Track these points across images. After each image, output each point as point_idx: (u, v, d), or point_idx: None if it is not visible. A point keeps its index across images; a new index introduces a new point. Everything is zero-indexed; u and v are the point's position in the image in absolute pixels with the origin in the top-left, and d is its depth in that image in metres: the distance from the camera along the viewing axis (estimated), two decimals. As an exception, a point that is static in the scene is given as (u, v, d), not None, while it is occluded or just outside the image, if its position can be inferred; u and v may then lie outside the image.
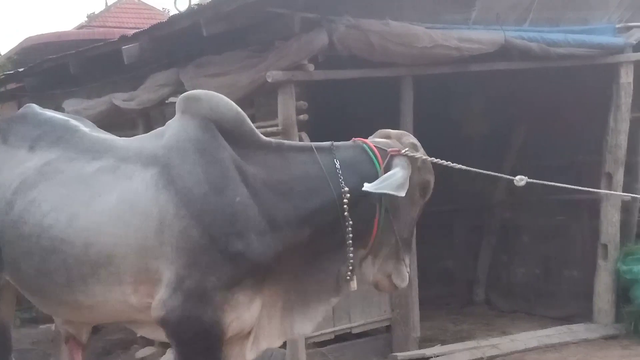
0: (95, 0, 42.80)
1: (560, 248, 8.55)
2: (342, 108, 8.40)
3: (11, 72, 9.72)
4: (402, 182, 3.66)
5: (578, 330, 7.52)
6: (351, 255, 3.73)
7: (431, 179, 3.92)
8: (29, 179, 3.73)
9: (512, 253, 9.22)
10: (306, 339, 6.20)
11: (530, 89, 8.25)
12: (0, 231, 3.77)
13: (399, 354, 6.65)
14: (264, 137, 3.77)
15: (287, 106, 6.03)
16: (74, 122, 4.03)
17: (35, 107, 4.16)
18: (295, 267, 3.71)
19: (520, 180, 3.91)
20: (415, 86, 6.66)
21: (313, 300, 3.80)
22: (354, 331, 6.80)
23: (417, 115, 6.66)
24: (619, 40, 7.54)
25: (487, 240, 9.45)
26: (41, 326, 8.31)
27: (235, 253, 3.47)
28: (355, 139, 3.92)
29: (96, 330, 6.85)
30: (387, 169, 3.71)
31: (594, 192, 7.05)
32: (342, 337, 6.74)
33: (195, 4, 7.20)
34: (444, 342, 7.21)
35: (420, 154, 3.82)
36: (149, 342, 7.14)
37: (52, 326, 7.26)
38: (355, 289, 3.81)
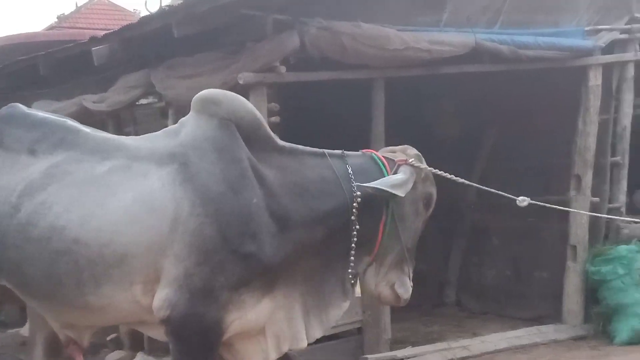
0: (65, 1, 42.42)
1: (530, 250, 8.60)
2: (315, 110, 8.40)
3: (-21, 73, 9.60)
4: (401, 183, 3.80)
5: (547, 331, 7.58)
6: (352, 258, 3.82)
7: (434, 191, 4.09)
8: (36, 182, 3.65)
9: (483, 255, 9.27)
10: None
11: (501, 92, 8.30)
12: (2, 236, 3.67)
13: (370, 356, 6.65)
14: (280, 141, 3.85)
15: (259, 108, 5.94)
16: (72, 122, 3.98)
17: (22, 107, 4.05)
18: (310, 271, 3.81)
19: (523, 201, 4.26)
20: (387, 88, 6.68)
21: (328, 304, 3.90)
22: (325, 333, 6.79)
23: (388, 118, 6.68)
24: (588, 43, 7.61)
25: (458, 242, 9.49)
26: (9, 330, 8.21)
27: (247, 254, 3.53)
28: (364, 150, 4.11)
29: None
30: None
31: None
32: (325, 337, 6.74)
33: (166, 5, 7.15)
34: (415, 344, 7.22)
35: (425, 165, 4.02)
36: (118, 346, 7.09)
37: (22, 330, 7.18)
38: (359, 295, 3.95)
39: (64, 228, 3.53)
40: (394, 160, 3.98)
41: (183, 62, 6.47)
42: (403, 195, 3.79)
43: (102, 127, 7.22)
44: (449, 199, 9.09)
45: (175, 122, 6.82)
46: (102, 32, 7.63)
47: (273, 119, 6.07)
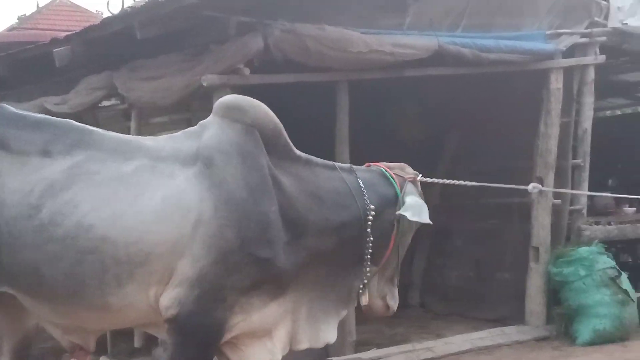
0: (26, 1, 41.91)
1: (493, 251, 8.67)
2: (279, 112, 8.38)
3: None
4: (426, 210, 4.13)
5: (510, 333, 7.65)
6: (368, 269, 4.01)
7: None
8: (57, 183, 3.59)
9: (446, 257, 9.32)
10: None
11: (464, 95, 8.36)
12: (15, 238, 3.57)
13: (335, 358, 6.66)
14: (296, 150, 3.94)
15: (222, 110, 5.99)
16: (77, 123, 3.92)
17: (10, 107, 3.92)
18: (319, 277, 3.94)
19: (534, 188, 4.73)
20: (351, 91, 6.69)
21: (332, 311, 4.04)
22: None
23: (353, 120, 6.70)
24: (549, 46, 7.69)
25: (422, 244, 9.52)
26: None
27: (262, 259, 3.63)
28: (368, 164, 4.31)
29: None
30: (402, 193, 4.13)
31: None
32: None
33: (129, 7, 7.11)
34: (379, 346, 7.24)
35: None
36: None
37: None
38: (365, 304, 4.10)
39: (92, 227, 3.51)
40: (402, 177, 4.20)
41: (146, 64, 6.43)
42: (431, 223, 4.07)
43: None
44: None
45: (138, 124, 6.85)
46: (64, 34, 7.56)
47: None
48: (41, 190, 3.59)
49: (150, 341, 6.47)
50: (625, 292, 7.44)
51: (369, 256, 3.99)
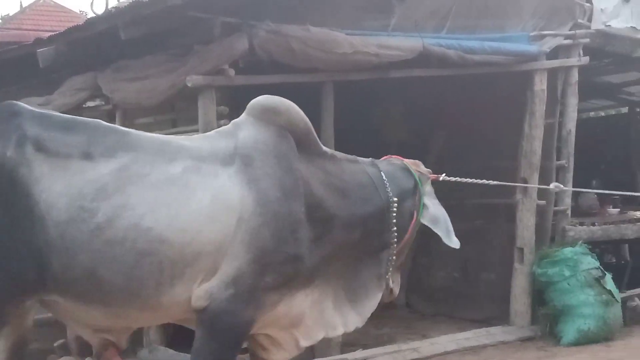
0: (9, 1, 41.69)
1: (478, 252, 8.69)
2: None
3: None
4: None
5: (495, 333, 7.67)
6: (393, 257, 4.26)
7: None
8: (109, 185, 3.55)
9: (432, 257, 9.32)
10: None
11: (449, 96, 8.38)
12: (70, 242, 3.50)
13: (321, 359, 6.65)
14: (323, 146, 4.12)
15: (208, 111, 5.99)
16: (106, 123, 3.89)
17: (27, 106, 3.81)
18: (344, 267, 4.13)
19: (557, 187, 5.29)
20: (336, 92, 6.69)
21: (361, 297, 4.22)
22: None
23: (338, 121, 6.69)
24: (533, 48, 7.72)
25: (407, 245, 9.53)
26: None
27: (295, 256, 3.78)
28: (387, 156, 4.56)
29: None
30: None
31: (511, 195, 7.20)
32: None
33: (113, 7, 7.08)
34: (365, 347, 7.23)
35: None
36: (65, 352, 6.97)
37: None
38: (392, 286, 4.32)
39: (151, 229, 3.53)
40: (423, 173, 4.48)
41: (130, 64, 6.40)
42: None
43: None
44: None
45: (122, 125, 6.80)
46: (48, 34, 7.53)
47: (222, 122, 6.04)
48: (93, 193, 3.54)
49: (136, 342, 6.45)
50: (610, 292, 7.48)
51: (394, 245, 4.22)
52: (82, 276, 3.54)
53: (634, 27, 8.82)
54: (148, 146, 3.73)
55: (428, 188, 4.48)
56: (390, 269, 4.29)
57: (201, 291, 3.64)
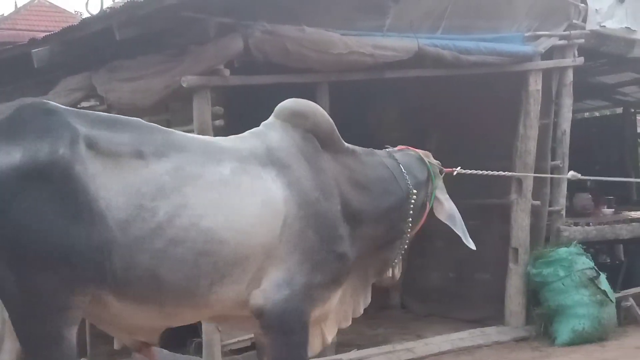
0: (4, 2, 41.65)
1: (472, 252, 8.61)
2: (259, 114, 8.38)
3: None
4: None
5: (490, 333, 7.68)
6: (405, 246, 4.43)
7: None
8: (167, 185, 3.54)
9: (426, 257, 9.33)
10: (223, 345, 6.15)
11: (444, 96, 8.38)
12: (131, 242, 3.45)
13: (316, 359, 6.65)
14: (344, 143, 4.20)
15: (203, 111, 5.99)
16: (146, 122, 3.84)
17: (60, 105, 3.69)
18: (363, 258, 4.19)
19: (574, 176, 5.16)
20: (331, 92, 6.69)
21: (370, 280, 4.39)
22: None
23: (333, 121, 6.68)
24: (528, 48, 7.74)
25: (402, 245, 9.53)
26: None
27: (340, 253, 3.91)
28: (400, 147, 4.67)
29: None
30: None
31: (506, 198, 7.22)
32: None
33: (108, 7, 7.07)
34: (360, 347, 7.24)
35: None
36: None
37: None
38: (397, 277, 4.53)
39: (210, 229, 3.56)
40: (440, 167, 4.69)
41: (125, 64, 6.40)
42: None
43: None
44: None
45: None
46: (43, 34, 7.52)
47: (217, 122, 6.05)
48: (152, 192, 3.51)
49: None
50: (604, 292, 7.49)
51: (408, 234, 4.37)
52: (143, 276, 3.49)
53: (629, 28, 8.84)
54: (194, 146, 3.74)
55: (440, 183, 4.64)
56: (400, 256, 4.45)
57: (257, 295, 3.73)
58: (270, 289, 3.73)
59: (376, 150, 4.45)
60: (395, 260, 4.47)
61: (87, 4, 17.13)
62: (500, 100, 8.10)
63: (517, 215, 7.84)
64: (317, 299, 3.89)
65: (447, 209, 4.62)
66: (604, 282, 7.59)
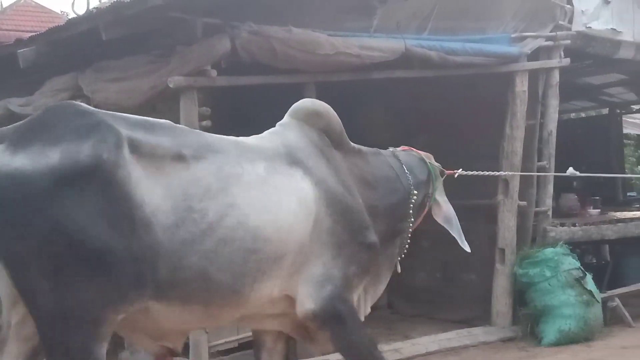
0: (-10, 2, 41.42)
1: (459, 252, 8.59)
2: (247, 114, 8.38)
3: None
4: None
5: (477, 333, 7.70)
6: (408, 242, 4.58)
7: None
8: (213, 185, 3.53)
9: (413, 258, 9.29)
10: (210, 347, 6.14)
11: (431, 97, 8.39)
12: (180, 244, 3.40)
13: (303, 360, 6.66)
14: (351, 143, 4.34)
15: (190, 112, 5.97)
16: (174, 124, 3.81)
17: (92, 108, 3.61)
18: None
19: (572, 174, 5.81)
20: (319, 93, 6.68)
21: (379, 281, 4.52)
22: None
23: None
24: (515, 49, 7.76)
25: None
26: None
27: (369, 244, 4.05)
28: (405, 148, 4.85)
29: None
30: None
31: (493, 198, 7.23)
32: (246, 345, 6.69)
33: (94, 8, 7.05)
34: (347, 348, 7.23)
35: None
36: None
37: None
38: (399, 271, 4.66)
39: (257, 228, 3.60)
40: (442, 170, 4.84)
41: (111, 65, 6.38)
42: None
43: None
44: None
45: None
46: (29, 34, 7.49)
47: (204, 122, 6.03)
48: (200, 193, 3.48)
49: (117, 344, 6.42)
50: (590, 292, 7.52)
51: (409, 231, 4.53)
52: (192, 277, 3.46)
53: (614, 29, 8.89)
54: (226, 146, 3.75)
55: (441, 187, 4.80)
56: (402, 254, 4.59)
57: (303, 296, 3.83)
58: (314, 290, 3.84)
59: (381, 150, 4.59)
60: (398, 258, 4.60)
61: (73, 4, 17.03)
62: (486, 101, 8.12)
63: (504, 216, 7.86)
64: (355, 287, 4.07)
65: (445, 211, 4.76)
66: (590, 283, 7.62)
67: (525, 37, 7.93)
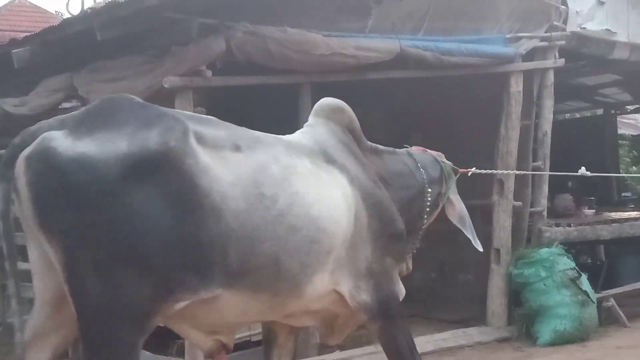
0: (-16, 2, 41.36)
1: (455, 253, 8.71)
2: (242, 115, 8.36)
3: None
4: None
5: (472, 334, 7.70)
6: (417, 243, 4.66)
7: None
8: (277, 175, 3.55)
9: (409, 258, 9.34)
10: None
11: (426, 98, 8.40)
12: (252, 230, 3.39)
13: (299, 361, 6.65)
14: (367, 141, 4.41)
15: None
16: (215, 118, 3.82)
17: (141, 101, 3.61)
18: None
19: (583, 174, 5.93)
20: (314, 93, 6.69)
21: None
22: (254, 339, 6.73)
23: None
24: (510, 50, 7.77)
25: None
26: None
27: (400, 234, 4.17)
28: (419, 148, 4.93)
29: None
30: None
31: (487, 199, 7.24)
32: (241, 346, 6.69)
33: (89, 8, 7.04)
34: (343, 348, 7.22)
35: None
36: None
37: None
38: (410, 269, 4.72)
39: (318, 217, 3.64)
40: (456, 168, 4.96)
41: (106, 65, 6.37)
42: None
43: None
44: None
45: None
46: (23, 34, 7.47)
47: (199, 123, 6.01)
48: (268, 181, 3.50)
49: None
50: (585, 293, 7.53)
51: (423, 228, 4.62)
52: (264, 264, 3.45)
53: (609, 30, 8.90)
54: (273, 141, 3.78)
55: (454, 186, 4.87)
56: (414, 250, 4.68)
57: (350, 292, 3.89)
58: (362, 283, 3.92)
59: (397, 150, 4.67)
60: (409, 255, 4.64)
61: (67, 4, 17.06)
62: (481, 102, 8.13)
63: (499, 216, 7.87)
64: (395, 279, 4.19)
65: (459, 211, 4.84)
66: (585, 283, 7.62)
67: (520, 38, 7.93)
